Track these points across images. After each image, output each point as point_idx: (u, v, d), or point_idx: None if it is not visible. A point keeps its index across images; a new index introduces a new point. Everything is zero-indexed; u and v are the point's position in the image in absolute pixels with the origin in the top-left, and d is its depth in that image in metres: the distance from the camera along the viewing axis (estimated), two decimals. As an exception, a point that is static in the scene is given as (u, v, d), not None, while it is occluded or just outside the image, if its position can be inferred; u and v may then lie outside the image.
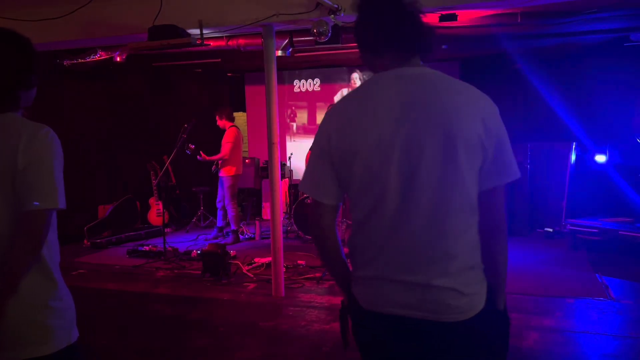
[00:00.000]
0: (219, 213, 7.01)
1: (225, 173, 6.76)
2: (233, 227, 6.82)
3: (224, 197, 6.88)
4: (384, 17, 1.43)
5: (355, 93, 1.48)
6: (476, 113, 1.36)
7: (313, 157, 1.52)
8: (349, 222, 5.46)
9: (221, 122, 6.87)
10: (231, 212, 6.80)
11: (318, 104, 8.73)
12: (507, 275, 1.51)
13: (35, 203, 1.48)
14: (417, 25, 1.44)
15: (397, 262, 1.41)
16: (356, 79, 8.52)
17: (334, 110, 1.50)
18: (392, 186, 1.38)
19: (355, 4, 1.50)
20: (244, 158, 8.39)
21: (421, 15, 1.44)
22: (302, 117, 8.86)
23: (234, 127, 6.84)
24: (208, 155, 6.80)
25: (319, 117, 8.62)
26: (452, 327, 1.39)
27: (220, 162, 6.77)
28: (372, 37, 1.46)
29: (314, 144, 1.51)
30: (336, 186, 1.49)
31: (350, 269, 1.59)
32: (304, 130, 8.80)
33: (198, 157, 6.80)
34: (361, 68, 8.42)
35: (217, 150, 6.81)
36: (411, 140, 1.35)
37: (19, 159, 1.48)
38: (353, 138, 1.40)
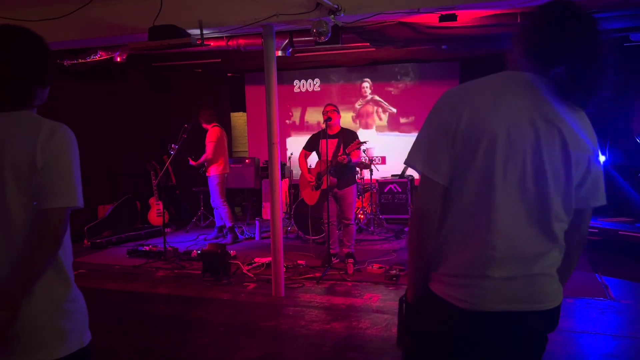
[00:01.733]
0: (216, 212, 7.01)
1: (212, 172, 6.78)
2: (228, 224, 6.82)
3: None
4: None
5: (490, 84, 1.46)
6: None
7: (431, 132, 1.42)
8: (345, 221, 5.47)
9: (204, 125, 6.88)
10: (223, 210, 6.81)
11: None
12: None
13: (53, 201, 1.47)
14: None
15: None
16: (367, 87, 8.54)
17: (464, 92, 1.44)
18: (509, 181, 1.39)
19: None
20: (243, 158, 8.42)
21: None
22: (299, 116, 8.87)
23: (216, 127, 6.85)
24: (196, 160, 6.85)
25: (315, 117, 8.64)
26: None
27: (206, 162, 6.80)
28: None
29: (433, 118, 1.43)
30: (451, 169, 1.41)
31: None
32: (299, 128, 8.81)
33: (191, 162, 6.85)
34: (362, 69, 8.42)
35: None
36: (538, 148, 1.39)
37: (37, 156, 1.48)
38: (487, 123, 1.37)
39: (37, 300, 1.49)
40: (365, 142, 5.39)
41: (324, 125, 5.41)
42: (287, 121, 8.91)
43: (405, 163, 1.47)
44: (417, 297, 1.53)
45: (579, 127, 1.44)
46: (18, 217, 1.49)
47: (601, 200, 1.51)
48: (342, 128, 5.53)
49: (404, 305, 1.59)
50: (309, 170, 5.65)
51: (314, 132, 5.81)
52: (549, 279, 1.46)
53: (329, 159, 5.32)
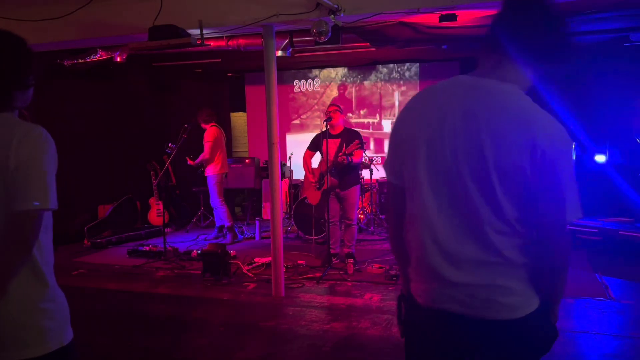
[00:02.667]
0: (215, 212, 7.02)
1: (209, 172, 6.79)
2: (227, 223, 6.83)
3: None
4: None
5: None
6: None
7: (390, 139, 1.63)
8: (347, 221, 5.47)
9: (202, 125, 6.89)
10: (221, 210, 6.81)
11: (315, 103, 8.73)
12: None
13: (25, 203, 1.46)
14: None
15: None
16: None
17: (410, 101, 1.59)
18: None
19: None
20: (243, 158, 8.41)
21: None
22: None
23: (213, 127, 6.86)
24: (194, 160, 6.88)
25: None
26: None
27: (204, 162, 6.81)
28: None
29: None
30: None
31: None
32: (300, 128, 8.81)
33: (189, 162, 6.87)
34: (362, 69, 8.43)
35: None
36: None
37: (10, 158, 1.47)
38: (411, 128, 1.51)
39: (13, 301, 1.50)
40: (364, 143, 5.39)
41: (323, 126, 5.41)
42: (296, 121, 8.91)
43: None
44: (402, 289, 1.70)
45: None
46: None
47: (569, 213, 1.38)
48: (345, 128, 5.53)
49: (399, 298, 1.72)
50: (312, 170, 5.66)
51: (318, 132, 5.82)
52: (501, 289, 1.41)
53: (331, 158, 5.32)
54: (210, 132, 6.79)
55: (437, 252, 1.45)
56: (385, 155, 1.71)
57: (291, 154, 8.08)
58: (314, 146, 5.64)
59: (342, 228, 5.63)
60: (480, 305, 1.42)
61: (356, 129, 5.69)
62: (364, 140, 5.46)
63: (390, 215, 1.66)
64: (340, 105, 5.71)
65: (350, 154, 5.23)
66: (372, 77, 8.53)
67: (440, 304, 1.47)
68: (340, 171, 5.35)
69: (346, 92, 8.64)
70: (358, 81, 8.59)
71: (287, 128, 8.89)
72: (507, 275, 1.42)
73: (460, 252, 1.42)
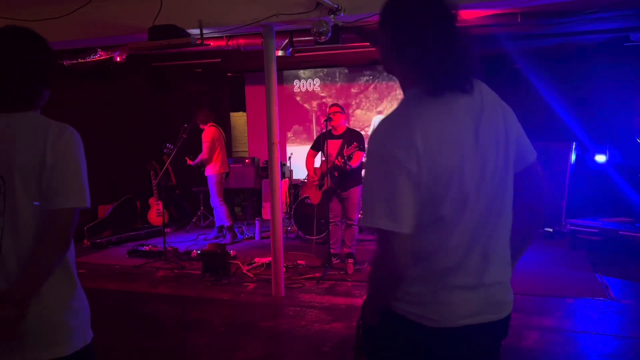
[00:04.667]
0: (215, 212, 7.02)
1: (209, 172, 6.81)
2: (226, 223, 6.83)
3: None
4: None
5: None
6: None
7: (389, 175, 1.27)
8: (349, 222, 5.47)
9: (201, 125, 6.89)
10: (220, 209, 6.81)
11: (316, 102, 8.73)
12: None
13: (63, 201, 1.49)
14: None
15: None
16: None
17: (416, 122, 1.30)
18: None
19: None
20: (243, 158, 8.41)
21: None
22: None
23: (212, 127, 6.87)
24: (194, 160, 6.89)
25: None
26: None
27: (203, 162, 6.82)
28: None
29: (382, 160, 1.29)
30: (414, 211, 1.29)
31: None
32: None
33: (189, 162, 6.88)
34: (362, 69, 8.42)
35: None
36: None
37: (47, 156, 1.49)
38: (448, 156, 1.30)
39: (46, 299, 1.51)
40: (364, 145, 5.39)
41: (324, 126, 5.41)
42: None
43: (364, 224, 1.33)
44: (376, 319, 1.44)
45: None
46: (26, 217, 1.51)
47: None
48: (347, 128, 5.53)
49: (361, 329, 1.51)
50: (315, 169, 5.66)
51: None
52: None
53: (332, 159, 5.32)
54: (208, 132, 6.80)
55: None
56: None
57: (291, 154, 8.08)
58: (316, 146, 5.65)
59: (343, 228, 5.63)
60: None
61: (358, 130, 5.69)
62: (364, 142, 5.45)
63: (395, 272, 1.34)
64: (341, 105, 5.71)
65: (350, 157, 5.23)
66: (372, 77, 8.52)
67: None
68: (342, 172, 5.35)
69: (346, 92, 8.63)
70: (358, 81, 8.58)
71: (287, 128, 8.89)
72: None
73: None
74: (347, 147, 5.27)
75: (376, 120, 8.51)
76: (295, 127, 8.87)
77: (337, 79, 8.66)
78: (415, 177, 1.24)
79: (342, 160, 5.21)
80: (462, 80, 1.32)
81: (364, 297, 1.49)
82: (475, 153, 1.32)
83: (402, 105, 1.36)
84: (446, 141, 1.28)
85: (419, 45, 1.30)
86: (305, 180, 5.95)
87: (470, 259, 1.35)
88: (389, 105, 8.49)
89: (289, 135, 8.88)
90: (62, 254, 1.52)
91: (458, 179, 1.29)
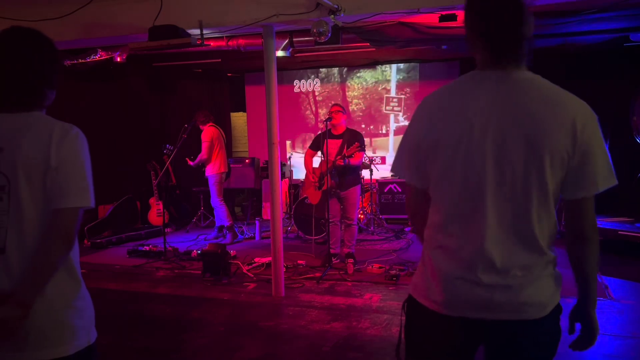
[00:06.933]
0: (216, 212, 7.02)
1: (209, 172, 6.81)
2: (226, 223, 6.83)
3: None
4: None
5: None
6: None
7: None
8: (348, 221, 5.47)
9: (200, 126, 6.90)
10: (220, 209, 6.81)
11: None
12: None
13: (68, 201, 1.50)
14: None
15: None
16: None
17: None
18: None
19: None
20: (243, 158, 8.42)
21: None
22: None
23: (211, 127, 6.87)
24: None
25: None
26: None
27: (204, 162, 6.83)
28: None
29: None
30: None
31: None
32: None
33: (189, 162, 6.88)
34: (362, 69, 8.43)
35: None
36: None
37: (52, 156, 1.49)
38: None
39: (50, 298, 1.52)
40: (364, 145, 5.39)
41: (324, 126, 5.41)
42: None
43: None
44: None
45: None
46: (30, 216, 1.51)
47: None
48: (347, 128, 5.53)
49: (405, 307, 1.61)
50: (313, 169, 5.66)
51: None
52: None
53: (331, 159, 5.32)
54: (208, 132, 6.80)
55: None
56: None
57: (291, 154, 8.08)
58: (316, 146, 5.64)
59: (342, 228, 5.63)
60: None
61: (358, 131, 5.68)
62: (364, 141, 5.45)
63: (416, 217, 1.64)
64: (341, 105, 5.71)
65: (350, 156, 5.23)
66: (372, 77, 8.52)
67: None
68: (341, 172, 5.36)
69: (346, 92, 8.63)
70: (358, 81, 8.58)
71: (287, 128, 8.89)
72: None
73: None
74: (348, 148, 5.27)
75: (376, 120, 8.48)
76: (302, 134, 8.87)
77: (337, 79, 8.66)
78: (421, 143, 1.49)
79: (342, 160, 5.21)
80: (505, 61, 1.43)
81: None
82: (477, 139, 1.39)
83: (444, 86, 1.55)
84: (450, 119, 1.43)
85: (477, 31, 1.49)
86: (303, 180, 5.95)
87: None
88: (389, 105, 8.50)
89: (288, 143, 8.89)
90: (65, 254, 1.53)
91: (452, 151, 1.42)
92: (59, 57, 1.66)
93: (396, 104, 8.46)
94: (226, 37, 5.54)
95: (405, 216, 7.41)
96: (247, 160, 8.20)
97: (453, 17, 4.56)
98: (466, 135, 1.39)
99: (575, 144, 1.36)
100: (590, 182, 1.39)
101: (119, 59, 6.29)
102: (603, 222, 5.80)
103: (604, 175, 1.40)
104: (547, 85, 1.44)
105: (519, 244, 1.41)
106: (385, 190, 7.67)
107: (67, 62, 6.62)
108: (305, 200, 6.42)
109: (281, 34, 5.26)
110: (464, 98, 1.44)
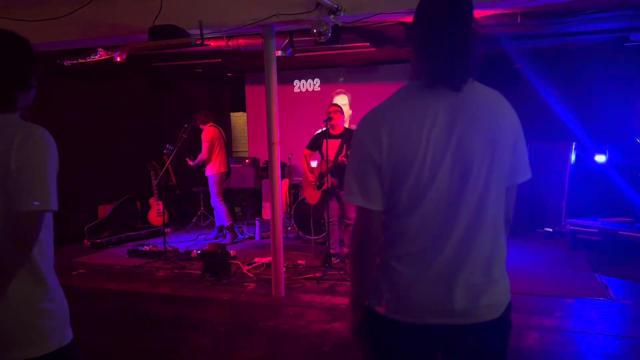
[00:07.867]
0: (216, 212, 7.02)
1: (209, 171, 6.82)
2: (226, 223, 6.83)
3: None
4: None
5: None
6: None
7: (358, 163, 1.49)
8: (347, 221, 5.47)
9: (201, 126, 6.91)
10: (220, 209, 6.81)
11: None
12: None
13: (26, 204, 1.47)
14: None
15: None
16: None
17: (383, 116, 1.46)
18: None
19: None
20: (243, 158, 8.42)
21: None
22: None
23: (211, 127, 6.88)
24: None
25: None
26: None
27: (204, 162, 6.83)
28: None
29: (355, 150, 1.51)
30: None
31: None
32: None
33: (189, 162, 6.89)
34: (357, 71, 8.42)
35: None
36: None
37: (12, 159, 1.47)
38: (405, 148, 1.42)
39: (12, 301, 1.50)
40: None
41: (324, 126, 5.41)
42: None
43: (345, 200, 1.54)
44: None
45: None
46: None
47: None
48: (345, 128, 5.53)
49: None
50: (312, 169, 5.65)
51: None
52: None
53: (331, 159, 5.32)
54: (208, 132, 6.81)
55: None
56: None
57: (291, 154, 8.08)
58: (313, 146, 5.64)
59: (342, 228, 5.63)
60: None
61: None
62: None
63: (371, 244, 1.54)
64: (340, 105, 5.71)
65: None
66: (372, 77, 8.52)
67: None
68: (340, 172, 5.35)
69: (346, 92, 8.63)
70: (358, 81, 8.57)
71: (287, 128, 8.88)
72: None
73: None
74: (347, 147, 5.26)
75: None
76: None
77: (337, 79, 8.66)
78: (379, 165, 1.42)
79: (344, 159, 5.21)
80: (452, 78, 1.39)
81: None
82: (441, 149, 1.39)
83: (387, 99, 1.49)
84: (408, 136, 1.39)
85: (420, 41, 1.43)
86: (302, 180, 5.95)
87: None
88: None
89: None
90: (23, 258, 1.49)
91: (417, 170, 1.40)
92: (34, 57, 1.62)
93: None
94: (226, 37, 5.53)
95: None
96: (247, 160, 8.20)
97: (453, 17, 4.55)
98: (430, 152, 1.39)
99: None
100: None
101: (119, 59, 6.29)
102: (603, 222, 5.80)
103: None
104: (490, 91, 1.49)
105: (483, 246, 1.45)
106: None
107: (67, 62, 6.61)
108: (306, 201, 6.42)
109: (281, 34, 5.26)
110: (420, 114, 1.41)
